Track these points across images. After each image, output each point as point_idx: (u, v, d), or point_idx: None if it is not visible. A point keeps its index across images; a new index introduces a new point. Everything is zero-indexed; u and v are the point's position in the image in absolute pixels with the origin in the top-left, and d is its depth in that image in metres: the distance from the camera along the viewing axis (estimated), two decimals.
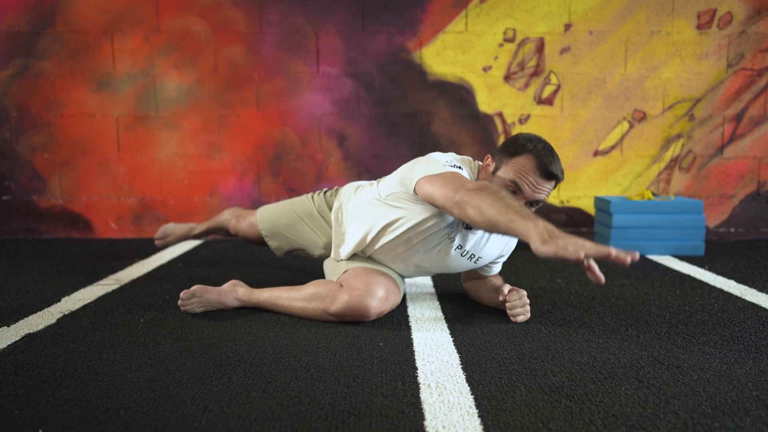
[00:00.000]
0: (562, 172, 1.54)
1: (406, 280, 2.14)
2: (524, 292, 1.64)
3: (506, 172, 1.53)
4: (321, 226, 1.94)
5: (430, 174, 1.51)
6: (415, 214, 1.61)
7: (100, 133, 3.11)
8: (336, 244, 1.84)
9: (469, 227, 1.63)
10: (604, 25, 3.05)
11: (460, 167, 1.55)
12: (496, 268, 1.86)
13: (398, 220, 1.65)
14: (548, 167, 1.50)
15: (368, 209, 1.73)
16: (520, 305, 1.62)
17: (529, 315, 1.64)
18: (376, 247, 1.72)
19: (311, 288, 1.67)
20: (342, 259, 1.79)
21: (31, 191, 3.14)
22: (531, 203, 1.55)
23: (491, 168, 1.58)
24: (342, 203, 1.85)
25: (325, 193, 1.99)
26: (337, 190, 1.98)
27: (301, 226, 1.97)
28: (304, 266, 2.43)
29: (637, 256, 1.11)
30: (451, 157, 1.61)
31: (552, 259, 1.15)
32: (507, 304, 1.63)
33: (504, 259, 1.82)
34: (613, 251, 1.10)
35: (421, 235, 1.64)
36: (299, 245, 2.01)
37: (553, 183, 1.54)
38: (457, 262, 1.71)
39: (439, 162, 1.54)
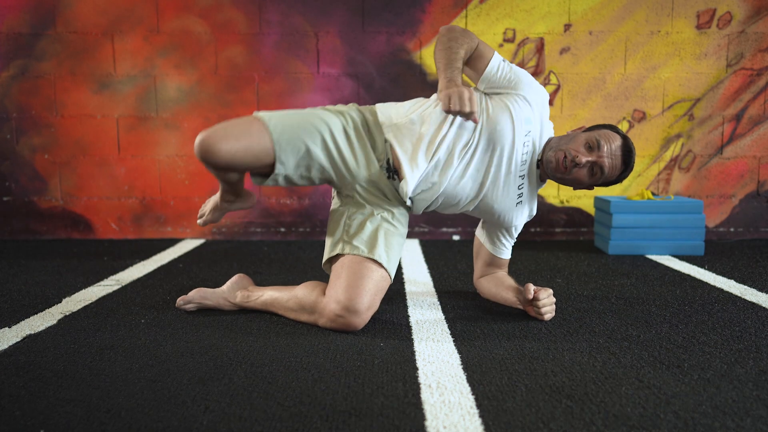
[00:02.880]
0: (631, 168, 1.65)
1: (407, 279, 2.14)
2: (551, 290, 1.67)
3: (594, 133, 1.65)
4: (364, 146, 1.67)
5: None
6: (434, 117, 1.65)
7: (100, 134, 3.11)
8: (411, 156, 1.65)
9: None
10: (603, 25, 3.05)
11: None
12: (507, 253, 1.85)
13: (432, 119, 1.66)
14: (628, 158, 1.62)
15: (410, 126, 1.67)
16: (549, 303, 1.65)
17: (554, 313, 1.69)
18: (437, 159, 1.63)
19: (298, 296, 1.64)
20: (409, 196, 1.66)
21: (31, 192, 3.14)
22: (593, 165, 1.61)
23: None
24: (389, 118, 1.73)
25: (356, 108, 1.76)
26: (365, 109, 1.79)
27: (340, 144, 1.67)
28: (304, 266, 2.43)
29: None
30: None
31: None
32: (537, 302, 1.64)
33: (522, 223, 1.79)
34: None
35: (452, 134, 1.63)
36: (325, 174, 1.67)
37: (622, 170, 1.64)
38: (496, 174, 1.66)
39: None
